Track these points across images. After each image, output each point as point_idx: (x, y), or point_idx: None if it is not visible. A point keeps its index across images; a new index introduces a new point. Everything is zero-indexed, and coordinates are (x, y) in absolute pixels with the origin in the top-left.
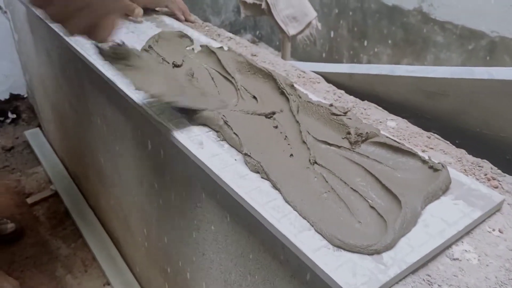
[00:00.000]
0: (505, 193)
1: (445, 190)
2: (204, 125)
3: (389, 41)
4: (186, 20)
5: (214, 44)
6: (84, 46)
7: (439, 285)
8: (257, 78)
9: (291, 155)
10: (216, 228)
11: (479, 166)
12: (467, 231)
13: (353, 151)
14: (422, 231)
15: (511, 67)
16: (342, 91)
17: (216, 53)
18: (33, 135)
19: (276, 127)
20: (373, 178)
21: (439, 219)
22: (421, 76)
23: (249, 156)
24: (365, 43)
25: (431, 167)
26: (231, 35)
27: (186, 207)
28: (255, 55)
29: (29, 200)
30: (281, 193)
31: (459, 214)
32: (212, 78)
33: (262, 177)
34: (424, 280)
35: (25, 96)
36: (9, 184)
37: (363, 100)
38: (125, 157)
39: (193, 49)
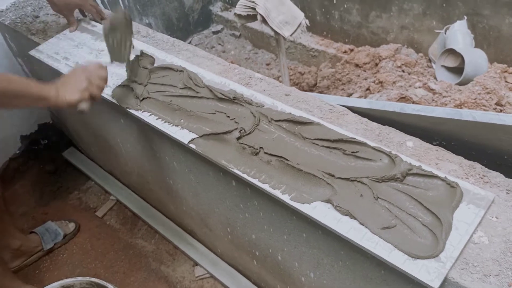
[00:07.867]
0: (493, 186)
1: (460, 200)
2: None
3: None
4: (102, 19)
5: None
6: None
7: (472, 263)
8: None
9: (361, 195)
10: (307, 235)
11: (473, 168)
12: (479, 223)
13: (399, 182)
14: (456, 233)
15: (488, 111)
16: (367, 119)
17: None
18: (70, 155)
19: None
20: (417, 202)
21: (463, 223)
22: (424, 114)
23: (339, 207)
24: (335, 1)
25: (448, 184)
26: (260, 76)
27: (275, 220)
28: (288, 95)
29: (99, 213)
30: (368, 228)
31: (472, 216)
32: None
33: (350, 218)
34: (463, 262)
35: (51, 122)
36: (73, 204)
37: (383, 124)
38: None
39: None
